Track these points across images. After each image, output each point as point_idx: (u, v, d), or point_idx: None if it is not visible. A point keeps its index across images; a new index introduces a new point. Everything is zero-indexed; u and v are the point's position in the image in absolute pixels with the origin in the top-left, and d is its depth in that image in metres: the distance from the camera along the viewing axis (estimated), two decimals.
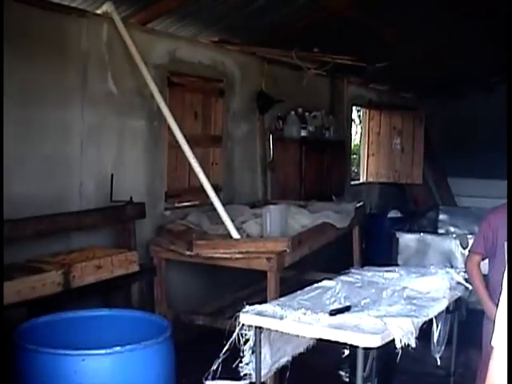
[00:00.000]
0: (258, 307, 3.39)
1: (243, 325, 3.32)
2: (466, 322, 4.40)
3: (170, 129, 5.96)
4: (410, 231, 7.52)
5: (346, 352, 5.65)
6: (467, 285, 3.99)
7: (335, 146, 8.73)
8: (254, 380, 3.50)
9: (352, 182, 10.43)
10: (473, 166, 12.43)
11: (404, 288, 3.77)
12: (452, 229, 9.27)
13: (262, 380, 3.56)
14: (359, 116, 11.55)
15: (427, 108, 11.37)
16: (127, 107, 5.54)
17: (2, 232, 3.60)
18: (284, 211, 5.60)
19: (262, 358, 3.46)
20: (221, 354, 3.28)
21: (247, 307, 3.40)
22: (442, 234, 7.98)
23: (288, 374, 3.81)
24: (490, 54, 9.54)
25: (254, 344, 3.35)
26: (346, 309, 3.36)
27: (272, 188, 7.75)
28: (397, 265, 6.94)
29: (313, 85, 8.01)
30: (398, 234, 7.27)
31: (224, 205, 5.64)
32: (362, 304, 3.43)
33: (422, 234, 7.30)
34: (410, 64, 9.09)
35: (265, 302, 6.56)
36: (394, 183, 11.22)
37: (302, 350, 3.84)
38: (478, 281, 3.85)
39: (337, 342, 3.12)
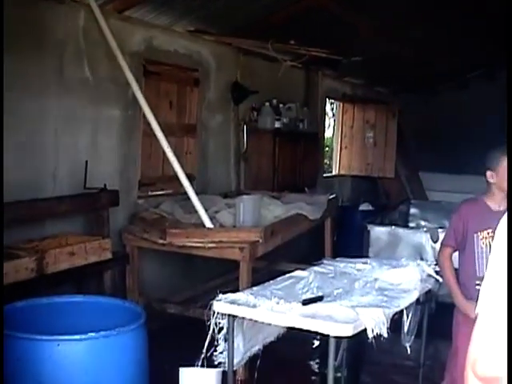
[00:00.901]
0: (231, 296, 3.43)
1: (217, 313, 3.35)
2: (435, 315, 4.48)
3: (144, 117, 5.98)
4: (381, 224, 7.62)
5: (316, 342, 5.73)
6: (438, 277, 4.05)
7: (309, 138, 8.80)
8: (226, 368, 3.55)
9: (325, 175, 10.51)
10: (445, 161, 12.60)
11: (376, 279, 3.84)
12: (423, 222, 9.40)
13: (235, 368, 3.61)
14: (333, 109, 11.63)
15: (401, 103, 11.48)
16: (103, 95, 5.55)
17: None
18: (257, 201, 5.65)
19: (235, 347, 3.50)
20: (205, 344, 3.32)
21: (220, 295, 3.44)
22: (412, 228, 8.09)
23: (259, 362, 3.85)
24: (465, 52, 9.67)
25: (227, 332, 3.38)
26: (319, 298, 3.41)
27: (245, 178, 7.80)
28: (368, 257, 7.04)
29: (288, 77, 8.06)
30: (370, 227, 7.35)
31: (197, 194, 5.66)
32: (335, 294, 3.49)
33: (393, 227, 7.39)
34: (385, 59, 9.18)
35: (237, 291, 6.70)
36: (367, 176, 11.33)
37: (272, 338, 3.88)
38: (449, 273, 3.92)
39: (309, 331, 3.16)
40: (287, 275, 4.05)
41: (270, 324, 3.39)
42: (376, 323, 3.17)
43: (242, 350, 3.58)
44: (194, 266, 6.64)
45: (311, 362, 5.64)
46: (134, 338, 3.13)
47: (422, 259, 6.69)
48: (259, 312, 3.25)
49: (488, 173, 3.87)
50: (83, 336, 2.92)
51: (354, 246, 8.92)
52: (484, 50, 9.49)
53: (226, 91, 7.36)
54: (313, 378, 5.36)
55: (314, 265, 4.41)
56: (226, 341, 3.43)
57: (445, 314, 4.23)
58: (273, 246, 5.69)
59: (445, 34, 8.55)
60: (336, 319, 3.12)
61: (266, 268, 6.70)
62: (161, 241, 5.27)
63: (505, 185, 3.79)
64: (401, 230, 7.31)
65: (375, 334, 3.16)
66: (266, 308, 3.26)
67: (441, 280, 4.09)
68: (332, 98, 10.77)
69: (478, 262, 3.85)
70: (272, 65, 7.65)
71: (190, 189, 5.43)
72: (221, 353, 3.50)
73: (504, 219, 1.48)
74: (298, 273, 4.03)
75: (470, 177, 12.84)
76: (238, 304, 3.33)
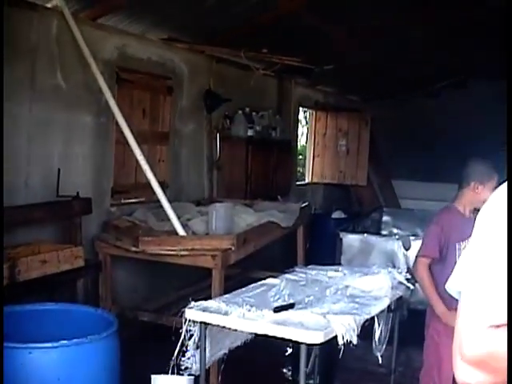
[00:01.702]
0: (203, 303, 3.46)
1: (189, 320, 3.38)
2: (406, 322, 4.54)
3: (117, 125, 6.00)
4: (353, 232, 7.68)
5: (290, 350, 5.76)
6: (409, 285, 4.12)
7: (282, 146, 8.85)
8: (193, 372, 3.58)
9: (298, 183, 10.57)
10: (417, 169, 12.73)
11: (347, 286, 3.89)
12: (395, 230, 9.50)
13: (198, 373, 3.63)
14: (306, 117, 11.70)
15: (373, 111, 11.59)
16: (75, 102, 5.56)
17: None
18: (229, 209, 5.68)
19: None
20: (176, 351, 3.35)
21: (192, 303, 3.47)
22: (384, 235, 8.17)
23: (223, 366, 3.89)
24: (436, 61, 9.77)
25: (199, 339, 3.42)
26: (290, 306, 3.45)
27: (218, 186, 7.82)
28: (340, 264, 7.10)
29: (260, 85, 8.12)
30: (342, 235, 7.41)
31: (170, 202, 5.68)
32: (306, 301, 3.54)
33: (365, 234, 7.46)
34: (357, 68, 9.27)
35: (210, 298, 6.73)
36: (339, 184, 11.41)
37: (239, 343, 3.91)
38: (429, 283, 3.96)
39: (281, 339, 3.20)
40: (259, 283, 4.09)
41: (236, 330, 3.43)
42: (346, 330, 3.22)
43: (208, 353, 3.61)
44: (167, 273, 6.62)
45: (284, 370, 5.68)
46: (107, 346, 3.15)
47: (394, 267, 6.76)
48: (230, 319, 3.29)
49: (474, 184, 3.93)
50: (55, 344, 2.93)
51: (326, 253, 8.98)
52: (457, 58, 9.60)
53: (199, 99, 7.39)
54: None
55: (286, 272, 4.46)
56: (197, 347, 3.46)
57: (416, 321, 4.29)
58: (245, 253, 5.72)
59: (418, 44, 8.65)
60: (307, 326, 3.17)
61: (239, 275, 6.73)
62: (134, 248, 5.28)
63: (480, 200, 3.85)
64: (373, 238, 7.38)
65: (345, 340, 3.21)
66: (238, 315, 3.30)
67: (412, 287, 4.15)
68: (305, 106, 10.84)
69: None
70: (245, 73, 7.69)
71: (162, 196, 5.45)
72: (188, 358, 3.53)
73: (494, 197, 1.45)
74: (269, 280, 4.07)
75: (442, 184, 13.08)
76: (210, 311, 3.36)
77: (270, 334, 3.19)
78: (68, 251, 4.74)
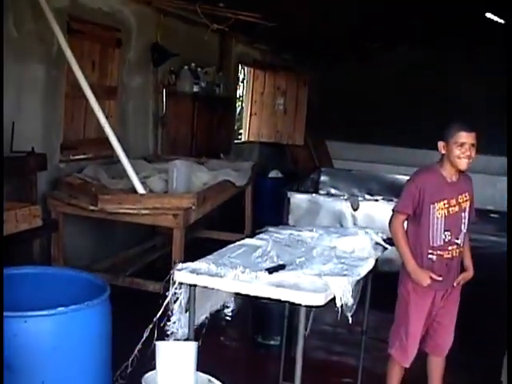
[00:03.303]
0: (190, 265, 3.30)
1: (178, 283, 3.24)
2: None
3: (68, 77, 5.73)
4: (301, 191, 7.61)
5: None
6: (386, 245, 4.07)
7: (224, 103, 8.70)
8: (179, 337, 3.45)
9: (235, 141, 10.43)
10: (350, 130, 12.81)
11: (332, 247, 3.80)
12: (333, 190, 9.50)
13: (185, 337, 3.50)
14: (243, 75, 11.52)
15: (309, 71, 11.52)
16: (27, 52, 5.25)
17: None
18: (189, 167, 5.53)
19: (187, 317, 3.41)
20: (157, 315, 3.21)
21: (180, 265, 3.31)
22: (333, 196, 8.14)
23: (204, 330, 3.77)
24: (370, 22, 9.71)
25: (188, 302, 3.28)
26: (281, 267, 3.35)
27: (163, 143, 7.62)
28: (288, 224, 7.04)
29: (203, 41, 7.89)
30: (290, 194, 7.31)
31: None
32: (297, 262, 3.43)
33: (313, 194, 7.40)
34: (295, 26, 9.11)
35: (157, 260, 6.60)
36: (274, 144, 11.33)
37: (218, 307, 3.80)
38: (403, 240, 3.91)
39: (277, 300, 3.10)
40: (237, 243, 3.95)
41: (215, 292, 3.32)
42: (343, 292, 3.14)
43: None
44: (112, 233, 6.49)
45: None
46: (102, 311, 2.98)
47: (341, 226, 6.79)
48: (225, 281, 3.15)
49: (440, 143, 3.88)
50: (52, 311, 2.74)
51: (267, 212, 8.93)
52: (390, 22, 9.57)
53: (146, 52, 7.14)
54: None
55: (259, 233, 4.34)
56: (186, 311, 3.33)
57: (382, 283, 4.25)
58: (203, 212, 5.61)
59: (355, 5, 8.55)
60: (304, 288, 3.07)
61: (188, 235, 6.60)
62: (91, 207, 5.07)
63: (452, 159, 3.81)
64: (321, 198, 7.32)
65: (343, 302, 3.14)
66: (232, 277, 3.16)
67: (389, 248, 4.10)
68: (244, 64, 10.64)
69: (432, 232, 3.86)
70: (191, 28, 7.48)
71: (121, 152, 5.26)
72: (174, 323, 3.40)
73: None
74: (248, 241, 3.94)
75: (375, 147, 13.23)
76: (202, 273, 3.21)
77: (268, 296, 3.08)
78: (26, 210, 4.46)
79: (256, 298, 3.21)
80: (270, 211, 9.02)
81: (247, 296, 3.23)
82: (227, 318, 5.02)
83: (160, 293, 4.49)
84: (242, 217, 7.61)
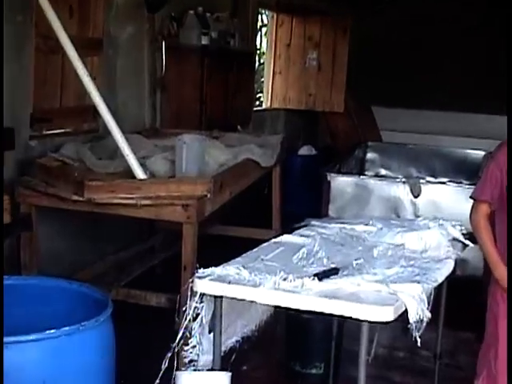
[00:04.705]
0: (217, 271, 3.29)
1: (200, 294, 3.23)
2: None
3: (37, 26, 5.69)
4: (343, 173, 7.60)
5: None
6: (468, 242, 4.05)
7: (242, 59, 8.68)
8: (201, 367, 3.45)
9: (254, 109, 10.41)
10: (401, 93, 12.65)
11: (397, 245, 3.79)
12: (383, 171, 9.49)
13: (208, 367, 3.50)
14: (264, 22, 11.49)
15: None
16: None
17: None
18: (202, 144, 5.49)
19: (208, 341, 3.41)
20: (176, 341, 3.21)
21: (201, 270, 3.30)
22: (387, 178, 8.11)
23: (234, 357, 3.78)
24: None
25: (213, 318, 3.27)
26: (334, 272, 3.33)
27: (163, 113, 7.60)
28: (327, 216, 7.04)
29: None
30: (330, 177, 7.30)
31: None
32: (354, 266, 3.41)
33: (361, 176, 7.39)
34: None
35: (159, 265, 6.61)
36: (305, 111, 11.29)
37: (253, 327, 3.82)
38: (487, 236, 3.87)
39: (330, 315, 3.08)
40: (272, 241, 3.97)
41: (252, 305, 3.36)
42: (418, 303, 3.12)
43: None
44: (101, 232, 6.50)
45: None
46: (104, 335, 2.97)
47: (398, 217, 6.77)
48: (261, 292, 3.14)
49: None
50: (40, 335, 2.72)
51: (296, 201, 8.93)
52: None
53: None
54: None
55: (295, 228, 4.34)
56: (210, 331, 3.32)
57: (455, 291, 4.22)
58: (221, 202, 5.57)
59: None
60: (367, 299, 3.05)
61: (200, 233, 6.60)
62: (75, 197, 5.04)
63: None
64: (371, 182, 7.34)
65: (418, 317, 3.12)
66: (270, 286, 3.15)
67: (471, 245, 4.08)
68: (265, 7, 10.60)
69: None
70: None
71: (114, 125, 5.23)
72: (194, 347, 3.40)
73: None
74: (288, 238, 3.96)
75: (435, 113, 13.10)
76: (228, 281, 3.20)
77: (319, 309, 3.06)
78: None
79: (296, 311, 3.20)
80: (300, 199, 9.02)
81: (287, 309, 3.23)
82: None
83: (166, 307, 4.49)
84: (268, 207, 7.57)
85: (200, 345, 3.41)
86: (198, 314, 3.34)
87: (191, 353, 3.42)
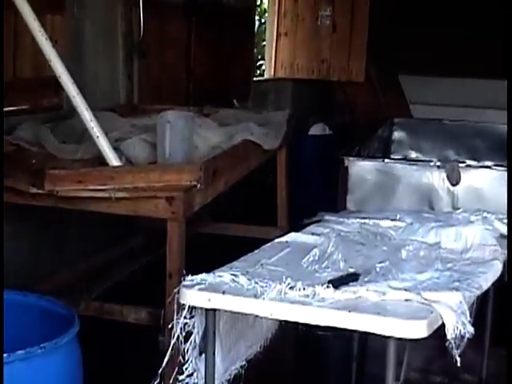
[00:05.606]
0: (208, 278, 3.28)
1: (188, 307, 3.22)
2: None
3: None
4: (364, 157, 7.60)
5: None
6: None
7: (238, 17, 8.69)
8: None
9: (254, 79, 10.43)
10: (430, 58, 12.64)
11: (431, 245, 3.80)
12: (413, 154, 9.50)
13: None
14: None
15: None
16: None
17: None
18: (190, 123, 5.49)
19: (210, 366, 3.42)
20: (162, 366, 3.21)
21: (189, 278, 3.29)
22: (418, 162, 8.10)
23: None
24: None
25: (205, 337, 3.27)
26: (352, 278, 3.33)
27: (141, 85, 7.61)
28: (345, 208, 7.04)
29: None
30: (348, 162, 7.29)
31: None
32: (378, 270, 3.42)
33: (385, 160, 7.39)
34: None
35: (138, 272, 6.62)
36: (317, 81, 11.31)
37: (257, 348, 3.84)
38: None
39: (348, 331, 3.09)
40: (276, 241, 3.98)
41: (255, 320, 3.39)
42: (457, 316, 3.12)
43: (221, 367, 3.48)
44: (66, 232, 6.52)
45: None
46: (69, 359, 2.97)
47: (432, 209, 6.77)
48: (263, 303, 3.13)
49: None
50: None
51: (306, 191, 8.95)
52: None
53: None
54: None
55: (305, 225, 4.35)
56: (201, 353, 3.33)
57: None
58: (213, 194, 5.58)
59: None
60: (395, 311, 3.05)
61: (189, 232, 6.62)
62: (33, 189, 5.05)
63: None
64: (398, 167, 7.31)
65: (457, 332, 3.11)
66: (274, 297, 3.14)
67: None
68: None
69: None
70: None
71: (80, 100, 5.23)
72: (190, 375, 3.40)
73: None
74: (295, 237, 3.98)
75: (479, 81, 13.10)
76: (226, 292, 3.19)
77: (335, 324, 3.06)
78: None
79: (307, 326, 3.21)
80: (311, 189, 9.04)
81: (295, 324, 3.23)
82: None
83: (148, 324, 4.52)
84: (272, 199, 7.59)
85: (198, 372, 3.41)
86: (189, 332, 3.34)
87: (187, 383, 3.43)
